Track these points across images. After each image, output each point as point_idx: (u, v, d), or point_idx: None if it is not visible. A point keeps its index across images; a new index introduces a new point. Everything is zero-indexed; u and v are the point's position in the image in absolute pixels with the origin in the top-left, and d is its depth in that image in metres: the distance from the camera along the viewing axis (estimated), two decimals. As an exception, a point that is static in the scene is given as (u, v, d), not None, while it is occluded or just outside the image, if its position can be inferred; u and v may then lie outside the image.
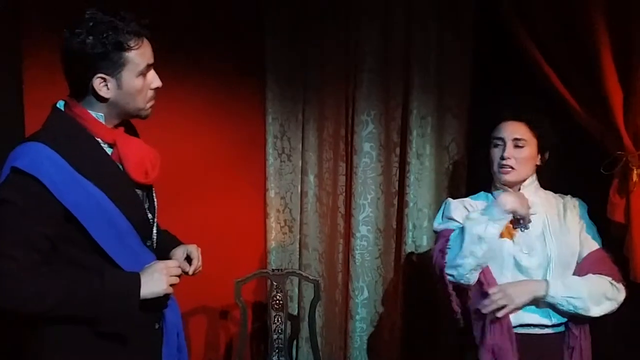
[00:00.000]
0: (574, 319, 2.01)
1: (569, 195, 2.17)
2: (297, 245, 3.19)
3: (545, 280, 2.00)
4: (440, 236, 2.14)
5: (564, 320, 2.02)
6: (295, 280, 3.13)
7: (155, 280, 1.64)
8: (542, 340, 2.03)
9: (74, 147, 1.60)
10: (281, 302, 2.83)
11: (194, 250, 1.89)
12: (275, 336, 2.85)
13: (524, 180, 2.13)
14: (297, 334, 3.09)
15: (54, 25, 2.40)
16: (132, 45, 1.59)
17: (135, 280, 1.61)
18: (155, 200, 1.84)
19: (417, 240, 2.74)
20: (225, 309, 3.09)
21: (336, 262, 3.03)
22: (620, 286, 2.01)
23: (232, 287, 2.75)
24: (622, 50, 1.94)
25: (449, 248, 2.03)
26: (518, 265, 2.04)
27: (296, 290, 3.17)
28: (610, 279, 2.01)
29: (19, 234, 1.51)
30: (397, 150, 2.78)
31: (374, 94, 2.81)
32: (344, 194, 2.98)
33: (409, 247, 2.73)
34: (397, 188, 2.80)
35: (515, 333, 2.00)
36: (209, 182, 2.95)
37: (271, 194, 3.12)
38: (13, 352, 2.38)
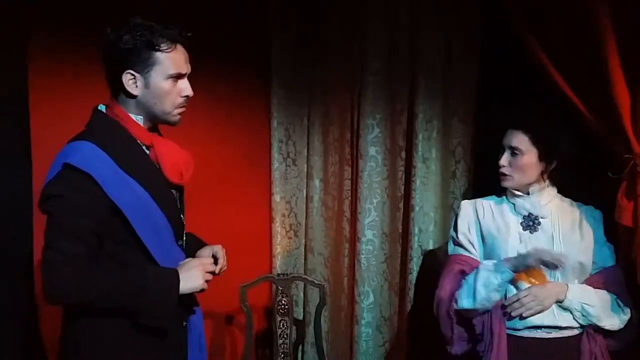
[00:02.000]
0: (589, 326, 2.03)
1: (590, 205, 2.18)
2: (303, 250, 3.19)
3: (565, 283, 2.03)
4: (452, 262, 2.18)
5: (575, 325, 2.02)
6: (301, 284, 3.12)
7: (193, 276, 1.71)
8: (549, 344, 2.02)
9: (118, 147, 1.68)
10: (286, 306, 2.82)
11: (219, 250, 1.93)
12: (280, 341, 2.84)
13: (528, 185, 2.14)
14: (303, 338, 3.07)
15: (59, 30, 2.44)
16: (162, 47, 1.66)
17: (174, 276, 1.69)
18: (184, 202, 1.90)
19: (423, 244, 2.72)
20: (230, 314, 3.08)
21: (342, 266, 3.02)
22: (627, 309, 2.04)
23: (238, 292, 2.76)
24: (630, 54, 1.94)
25: (461, 289, 2.08)
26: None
27: (301, 294, 3.16)
28: (616, 297, 2.05)
29: (68, 228, 1.58)
30: (403, 154, 2.77)
31: (380, 98, 2.80)
32: (349, 198, 2.97)
33: (415, 252, 2.72)
34: (402, 192, 2.78)
35: (522, 337, 2.03)
36: (214, 187, 2.95)
37: (276, 198, 3.12)
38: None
